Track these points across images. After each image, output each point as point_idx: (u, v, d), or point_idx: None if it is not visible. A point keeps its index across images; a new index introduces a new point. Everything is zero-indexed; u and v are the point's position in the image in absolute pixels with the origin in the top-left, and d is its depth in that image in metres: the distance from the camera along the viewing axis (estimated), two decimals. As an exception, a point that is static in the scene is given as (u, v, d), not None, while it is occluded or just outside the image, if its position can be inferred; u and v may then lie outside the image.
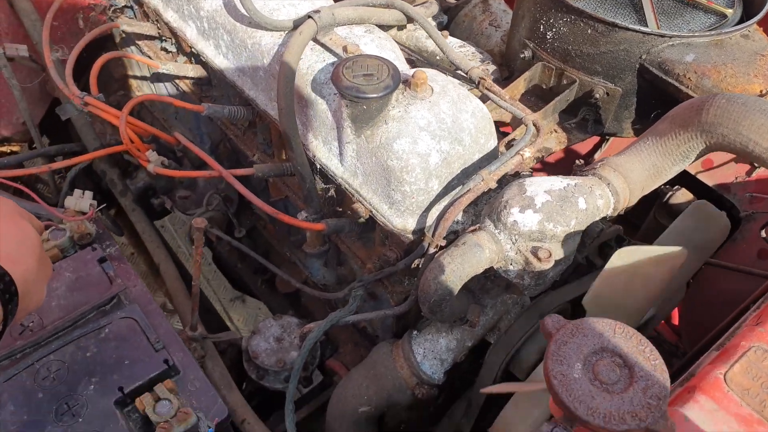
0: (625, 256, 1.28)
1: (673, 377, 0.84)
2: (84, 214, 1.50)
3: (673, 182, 2.32)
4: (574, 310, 1.51)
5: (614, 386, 0.72)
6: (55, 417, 1.20)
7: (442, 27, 2.29)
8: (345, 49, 1.44)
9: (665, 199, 2.29)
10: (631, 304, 1.40)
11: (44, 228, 1.45)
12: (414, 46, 2.10)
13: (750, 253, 2.16)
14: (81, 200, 1.49)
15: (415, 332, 1.55)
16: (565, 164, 2.66)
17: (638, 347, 0.74)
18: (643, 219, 2.50)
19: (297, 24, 1.52)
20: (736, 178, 2.22)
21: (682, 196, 2.26)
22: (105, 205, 1.63)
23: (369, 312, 1.60)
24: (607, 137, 2.35)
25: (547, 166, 2.69)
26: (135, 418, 1.25)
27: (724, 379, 0.78)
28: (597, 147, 2.51)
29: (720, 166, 2.23)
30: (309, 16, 1.46)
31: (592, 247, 1.59)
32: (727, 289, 2.03)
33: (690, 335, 2.26)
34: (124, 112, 1.71)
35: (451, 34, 2.24)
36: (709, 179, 2.28)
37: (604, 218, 1.41)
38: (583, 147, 2.52)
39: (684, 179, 2.31)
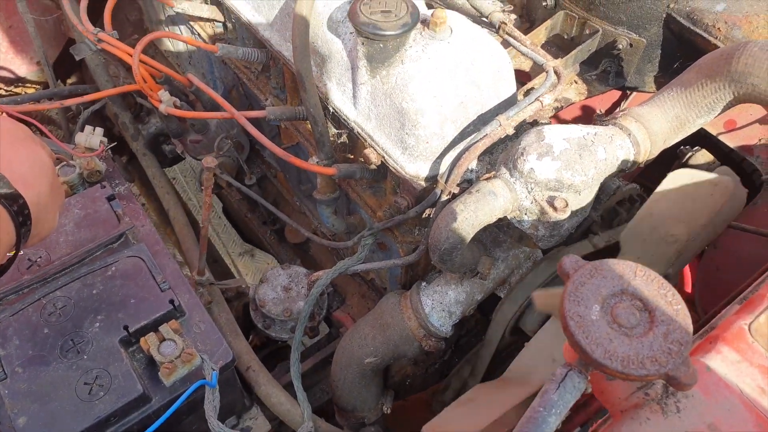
0: (678, 179, 1.26)
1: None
2: (94, 151, 1.48)
3: (693, 143, 2.26)
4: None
5: (633, 330, 0.69)
6: (60, 353, 1.20)
7: (462, -25, 2.21)
8: (362, -14, 1.38)
9: (684, 159, 2.23)
10: (671, 238, 1.36)
11: (55, 163, 1.43)
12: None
13: (772, 217, 2.10)
14: (92, 137, 1.47)
15: (423, 283, 1.53)
16: (584, 121, 2.59)
17: (660, 291, 0.71)
18: (660, 181, 2.45)
19: (313, -39, 1.46)
20: (760, 140, 2.15)
21: (702, 157, 2.20)
22: (115, 143, 1.60)
23: (378, 262, 1.58)
24: (628, 93, 2.28)
25: (564, 122, 2.63)
26: (139, 358, 1.25)
27: (749, 330, 0.75)
28: (617, 105, 2.44)
29: (743, 128, 2.16)
30: (325, -48, 1.40)
31: (607, 204, 1.55)
32: (747, 254, 1.98)
33: (705, 300, 2.23)
34: (137, 49, 1.67)
35: (470, -17, 2.16)
36: (731, 141, 2.21)
37: (622, 171, 1.37)
38: (604, 104, 2.45)
39: (705, 140, 2.24)
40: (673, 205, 1.27)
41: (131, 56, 1.66)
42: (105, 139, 1.48)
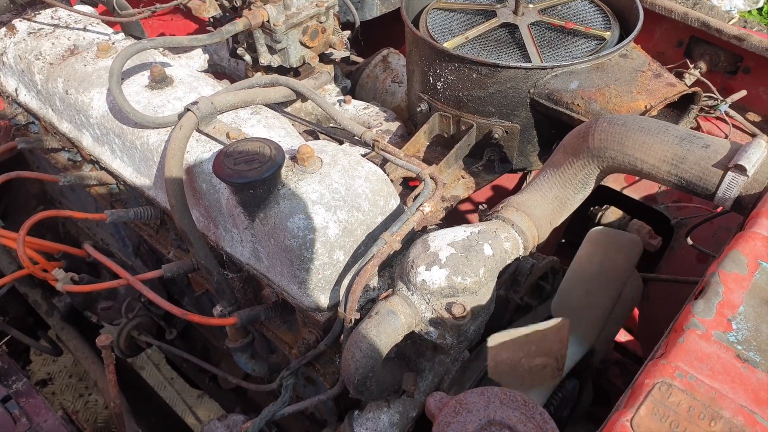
0: (594, 237, 1.33)
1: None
2: (-18, 353, 1.41)
3: (601, 201, 2.32)
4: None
5: (507, 461, 0.65)
6: None
7: (346, 91, 2.30)
8: (228, 135, 1.41)
9: (597, 220, 2.28)
10: (598, 300, 1.37)
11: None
12: (321, 115, 2.09)
13: (689, 259, 2.15)
14: (-23, 339, 1.39)
15: (356, 412, 1.46)
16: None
17: (528, 413, 0.68)
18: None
19: (181, 118, 1.49)
20: (660, 188, 2.23)
21: (612, 214, 2.26)
22: (9, 337, 1.53)
23: (306, 399, 1.51)
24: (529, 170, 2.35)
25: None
26: None
27: (631, 426, 0.73)
28: (524, 178, 2.50)
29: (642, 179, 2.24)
30: (187, 109, 1.42)
31: (527, 284, 1.55)
32: (678, 297, 2.01)
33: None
34: (20, 234, 1.63)
35: (356, 97, 2.24)
36: (635, 193, 2.28)
37: (533, 254, 1.39)
38: (510, 182, 2.52)
39: (611, 196, 2.31)
40: (594, 266, 1.30)
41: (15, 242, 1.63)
42: (-7, 339, 1.41)
